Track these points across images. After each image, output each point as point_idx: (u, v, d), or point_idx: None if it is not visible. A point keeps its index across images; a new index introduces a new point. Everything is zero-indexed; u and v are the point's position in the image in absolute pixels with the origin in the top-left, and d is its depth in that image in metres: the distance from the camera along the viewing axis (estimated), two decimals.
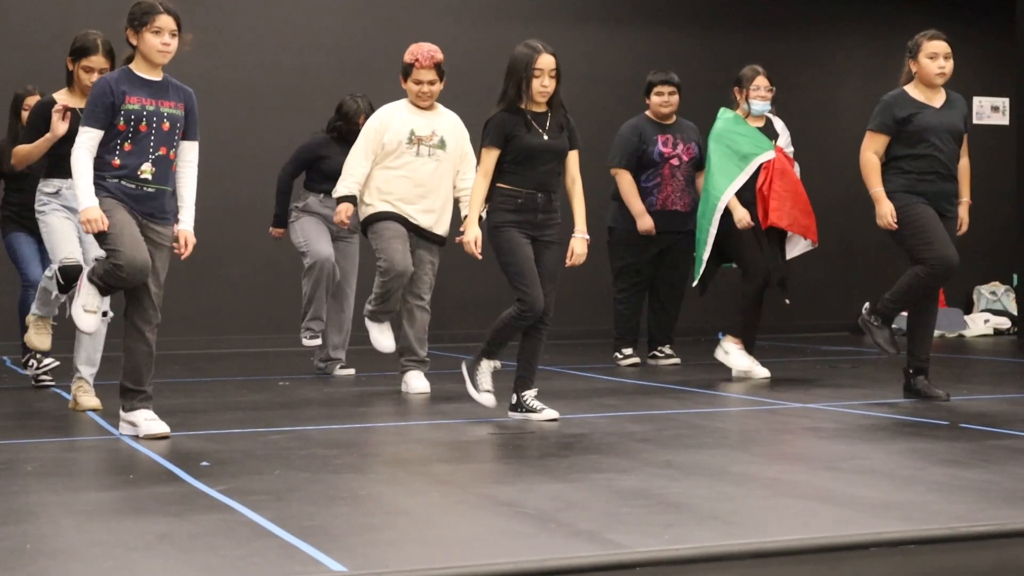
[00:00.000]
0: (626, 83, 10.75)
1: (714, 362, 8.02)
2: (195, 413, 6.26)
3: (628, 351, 8.77)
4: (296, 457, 4.96)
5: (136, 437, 5.38)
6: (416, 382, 7.08)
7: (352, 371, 8.21)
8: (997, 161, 12.71)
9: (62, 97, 6.33)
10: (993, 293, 12.41)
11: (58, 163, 6.20)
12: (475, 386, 5.98)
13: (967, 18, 12.60)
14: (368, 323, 7.14)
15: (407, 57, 7.04)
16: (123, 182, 5.35)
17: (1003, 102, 12.97)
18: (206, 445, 5.23)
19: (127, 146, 5.35)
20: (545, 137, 5.83)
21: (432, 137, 7.06)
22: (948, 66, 6.49)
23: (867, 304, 6.73)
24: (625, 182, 8.57)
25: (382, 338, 7.12)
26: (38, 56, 9.53)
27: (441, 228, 7.12)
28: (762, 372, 7.74)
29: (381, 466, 4.87)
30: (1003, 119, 12.97)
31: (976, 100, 12.80)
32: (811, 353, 9.83)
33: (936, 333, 11.45)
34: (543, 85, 5.78)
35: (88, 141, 5.34)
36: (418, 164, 7.04)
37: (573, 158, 5.94)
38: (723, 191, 7.76)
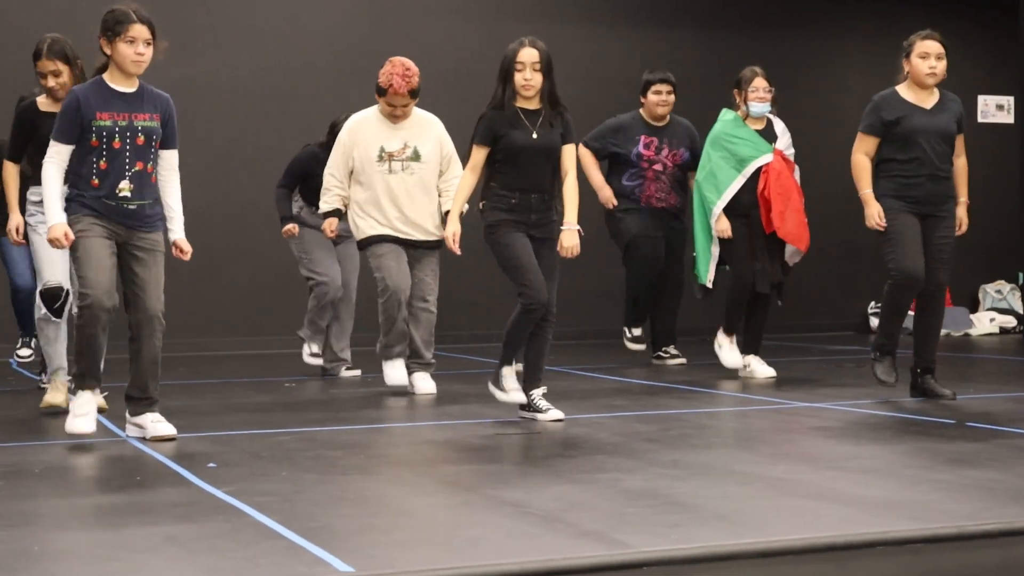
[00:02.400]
0: (629, 83, 10.73)
1: (719, 362, 8.01)
2: (201, 415, 6.27)
3: (637, 332, 8.75)
4: (302, 458, 4.97)
5: (143, 439, 5.39)
6: (422, 383, 7.08)
7: (358, 372, 8.22)
8: (1002, 159, 12.70)
9: (44, 102, 6.29)
10: (999, 292, 12.39)
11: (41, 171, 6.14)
12: (501, 389, 5.95)
13: (972, 17, 12.58)
14: (383, 363, 7.11)
15: (382, 79, 6.94)
16: (103, 200, 5.30)
17: (1008, 100, 12.95)
18: (212, 447, 5.23)
19: (103, 164, 5.28)
20: (535, 135, 5.78)
21: (404, 151, 7.01)
22: (940, 66, 6.46)
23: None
24: (585, 156, 8.48)
25: (394, 373, 7.05)
26: None
27: (432, 235, 7.08)
28: (767, 372, 7.74)
29: (387, 467, 4.87)
30: (1008, 117, 12.96)
31: (981, 99, 12.78)
32: (816, 353, 9.82)
33: (942, 332, 11.45)
34: (525, 79, 5.72)
35: (56, 156, 5.29)
36: (391, 181, 6.99)
37: (567, 152, 5.85)
38: (720, 195, 7.74)
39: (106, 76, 5.35)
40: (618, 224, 8.62)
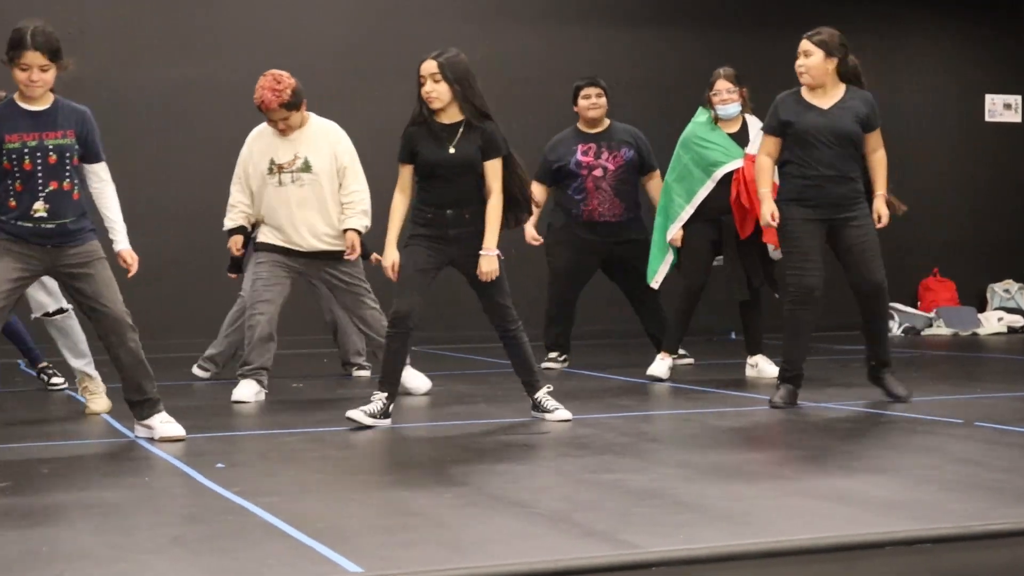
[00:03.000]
0: (633, 85, 10.73)
1: (727, 362, 8.01)
2: (208, 415, 6.28)
3: (553, 354, 8.56)
4: (310, 458, 4.98)
5: (151, 440, 5.40)
6: (415, 381, 7.00)
7: (367, 372, 8.22)
8: (1009, 158, 12.68)
9: None
10: (1007, 291, 12.38)
11: None
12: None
13: (976, 17, 12.56)
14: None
15: (255, 96, 6.84)
16: (19, 222, 5.25)
17: (1015, 99, 12.93)
18: (220, 447, 5.24)
19: (18, 186, 5.25)
20: (452, 150, 5.66)
21: (294, 162, 6.87)
22: (808, 63, 6.33)
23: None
24: (535, 190, 8.41)
25: (237, 391, 6.80)
26: None
27: (330, 245, 6.90)
28: (775, 370, 7.70)
29: (394, 467, 4.88)
30: (1015, 116, 12.93)
31: (988, 98, 12.76)
32: (822, 352, 9.80)
33: (949, 331, 11.44)
34: (425, 91, 5.64)
35: None
36: (282, 193, 6.87)
37: (489, 169, 5.69)
38: (687, 202, 7.58)
39: (16, 96, 5.31)
40: (552, 241, 8.47)
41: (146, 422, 5.45)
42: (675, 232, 7.67)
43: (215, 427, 5.85)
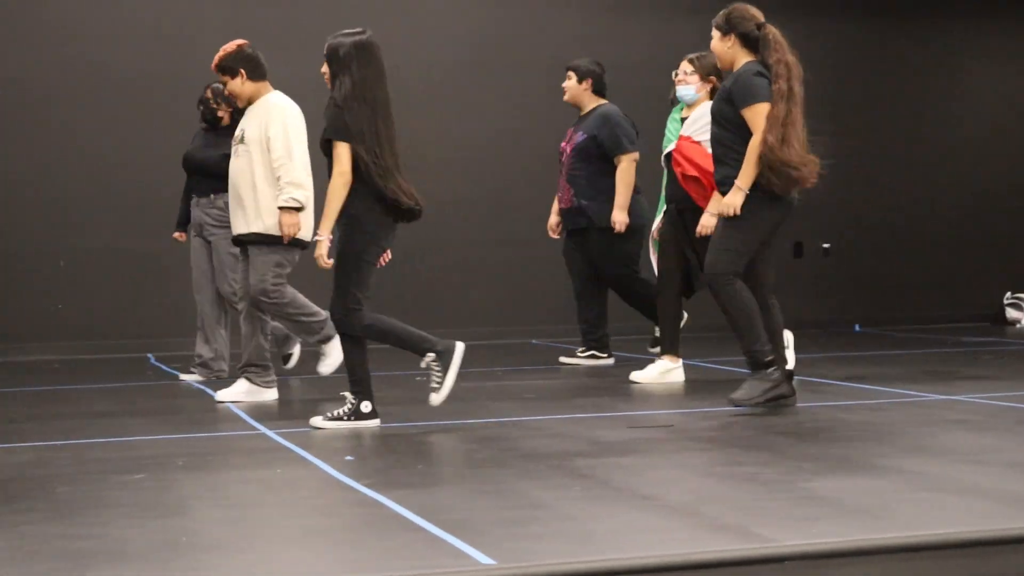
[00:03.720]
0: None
1: (850, 354, 7.87)
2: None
3: (580, 349, 8.43)
4: (436, 452, 5.02)
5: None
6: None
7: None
8: None
9: None
10: None
11: None
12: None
13: None
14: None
15: None
16: None
17: None
18: (348, 440, 5.31)
19: None
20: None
21: (240, 134, 6.71)
22: (711, 45, 6.09)
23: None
24: None
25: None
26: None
27: (253, 226, 6.55)
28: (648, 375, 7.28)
29: (520, 460, 4.89)
30: None
31: None
32: (951, 344, 9.61)
33: None
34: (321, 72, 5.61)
35: None
36: (232, 164, 6.73)
37: (335, 150, 5.48)
38: (662, 196, 7.38)
39: None
40: None
41: None
42: (655, 226, 7.49)
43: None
